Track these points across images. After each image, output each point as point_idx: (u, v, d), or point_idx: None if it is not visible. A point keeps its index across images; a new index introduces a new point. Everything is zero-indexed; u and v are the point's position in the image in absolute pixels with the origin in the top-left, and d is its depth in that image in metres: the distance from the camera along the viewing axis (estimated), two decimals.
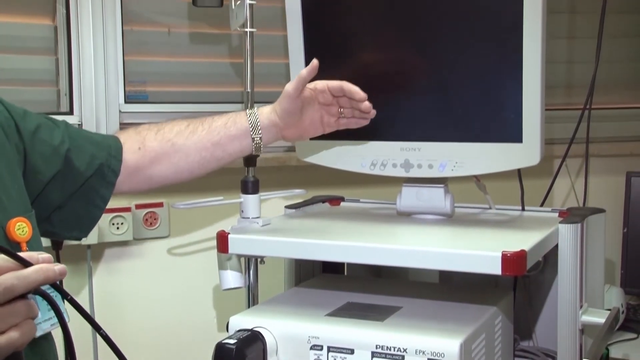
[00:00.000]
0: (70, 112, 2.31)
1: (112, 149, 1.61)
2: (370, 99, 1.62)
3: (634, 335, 2.34)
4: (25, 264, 1.02)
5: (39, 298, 1.26)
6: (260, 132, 1.66)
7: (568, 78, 2.83)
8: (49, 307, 1.22)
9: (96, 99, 2.32)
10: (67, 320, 1.29)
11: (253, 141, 1.67)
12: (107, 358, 2.07)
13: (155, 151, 1.65)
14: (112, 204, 2.22)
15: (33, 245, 1.35)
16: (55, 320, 1.31)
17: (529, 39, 1.54)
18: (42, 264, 1.03)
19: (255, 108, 1.69)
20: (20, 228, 1.33)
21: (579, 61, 2.82)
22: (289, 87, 1.59)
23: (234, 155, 1.72)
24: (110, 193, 1.62)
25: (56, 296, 1.33)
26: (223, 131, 1.67)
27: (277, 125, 1.64)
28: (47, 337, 1.34)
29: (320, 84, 1.61)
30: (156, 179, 1.68)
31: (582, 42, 2.80)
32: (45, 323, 1.27)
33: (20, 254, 1.03)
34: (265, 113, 1.66)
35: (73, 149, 1.53)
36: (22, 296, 1.02)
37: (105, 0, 2.30)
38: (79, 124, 2.30)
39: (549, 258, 1.56)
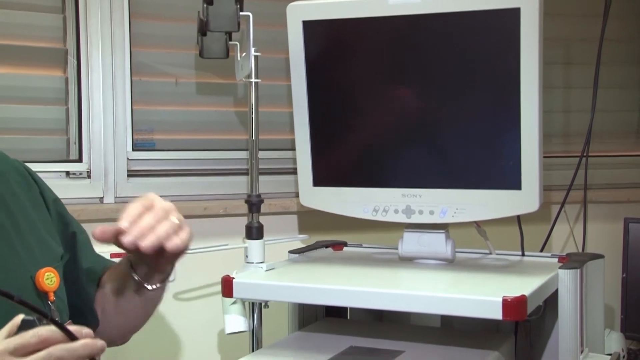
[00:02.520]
0: (79, 160, 2.32)
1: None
2: (372, 147, 1.61)
3: None
4: (72, 337, 1.03)
5: None
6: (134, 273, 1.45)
7: (565, 126, 2.83)
8: None
9: (105, 146, 2.32)
10: None
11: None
12: None
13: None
14: (118, 248, 2.24)
15: (59, 295, 1.36)
16: None
17: (526, 90, 1.55)
18: (87, 338, 1.04)
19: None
20: (49, 278, 1.33)
21: (576, 110, 2.82)
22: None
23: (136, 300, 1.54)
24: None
25: None
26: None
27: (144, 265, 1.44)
28: None
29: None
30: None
31: (578, 92, 2.81)
32: None
33: (68, 327, 1.04)
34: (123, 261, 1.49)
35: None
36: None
37: (114, 52, 2.31)
38: (87, 171, 2.30)
39: (549, 303, 1.55)
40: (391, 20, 1.63)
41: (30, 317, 1.04)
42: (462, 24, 1.59)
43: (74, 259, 1.49)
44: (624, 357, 2.27)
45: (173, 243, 1.27)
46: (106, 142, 2.33)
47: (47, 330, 1.02)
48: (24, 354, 1.00)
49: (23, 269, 1.32)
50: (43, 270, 1.33)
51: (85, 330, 1.05)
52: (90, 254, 1.56)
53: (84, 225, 1.65)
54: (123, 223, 1.24)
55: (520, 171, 1.58)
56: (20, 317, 1.05)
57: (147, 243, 1.24)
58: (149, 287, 1.43)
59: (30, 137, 2.26)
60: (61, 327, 1.03)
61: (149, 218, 1.27)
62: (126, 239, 1.23)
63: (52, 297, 1.33)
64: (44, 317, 1.05)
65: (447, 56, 1.62)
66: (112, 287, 1.50)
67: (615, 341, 2.27)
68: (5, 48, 2.19)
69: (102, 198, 2.32)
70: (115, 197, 2.33)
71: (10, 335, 1.03)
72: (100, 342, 1.05)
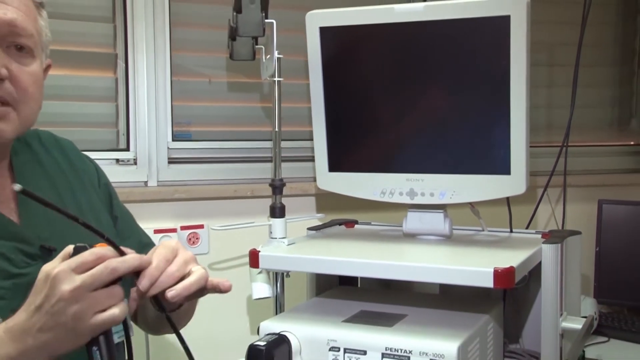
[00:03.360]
0: (127, 149, 2.32)
1: None
2: (380, 137, 1.60)
3: (606, 339, 2.31)
4: (123, 253, 1.05)
5: None
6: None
7: (548, 120, 2.83)
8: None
9: (148, 137, 2.33)
10: (131, 333, 1.30)
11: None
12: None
13: None
14: (161, 225, 2.24)
15: None
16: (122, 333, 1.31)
17: (515, 87, 1.54)
18: (134, 253, 1.05)
19: None
20: None
21: (557, 106, 2.81)
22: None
23: (156, 326, 1.49)
24: None
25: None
26: None
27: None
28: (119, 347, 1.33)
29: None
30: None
31: (559, 90, 2.79)
32: (116, 335, 1.27)
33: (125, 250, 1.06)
34: None
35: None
36: (118, 281, 1.03)
37: (157, 56, 2.31)
38: (134, 159, 2.31)
39: (534, 273, 1.54)
40: (397, 26, 1.61)
41: (81, 244, 1.05)
42: (459, 29, 1.57)
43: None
44: (596, 319, 2.26)
45: (172, 295, 1.14)
46: (150, 133, 2.33)
47: (102, 248, 1.03)
48: (84, 270, 1.00)
49: (83, 241, 1.30)
50: (98, 245, 1.31)
51: (128, 250, 1.06)
52: (129, 239, 1.51)
53: (131, 205, 1.64)
54: (144, 284, 1.11)
55: (510, 159, 1.56)
56: (71, 247, 1.05)
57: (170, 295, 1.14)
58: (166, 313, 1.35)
59: (85, 130, 2.27)
60: (114, 245, 1.05)
61: (171, 269, 1.15)
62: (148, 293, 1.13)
63: None
64: (101, 236, 1.06)
65: (446, 57, 1.60)
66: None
67: (589, 305, 2.27)
68: (64, 53, 2.19)
69: (146, 182, 2.33)
70: (158, 181, 2.34)
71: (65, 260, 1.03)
72: (147, 257, 1.06)
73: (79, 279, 0.99)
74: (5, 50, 1.17)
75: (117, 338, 1.27)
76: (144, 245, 1.52)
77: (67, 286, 0.98)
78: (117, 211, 1.51)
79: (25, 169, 1.32)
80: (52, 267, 1.01)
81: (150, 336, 2.04)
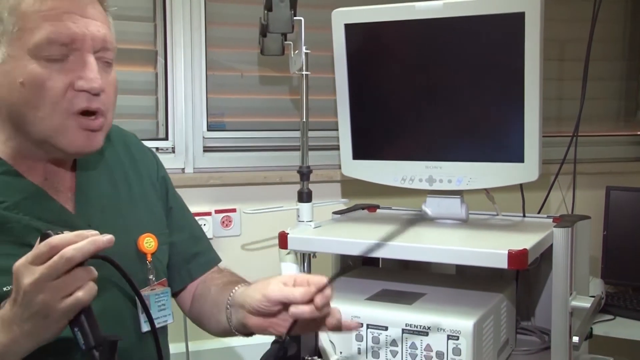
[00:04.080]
0: (166, 138, 2.34)
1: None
2: (401, 127, 1.59)
3: (612, 317, 2.31)
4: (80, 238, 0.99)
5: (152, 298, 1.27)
6: (229, 309, 1.33)
7: (558, 111, 2.80)
8: (161, 306, 1.21)
9: (185, 128, 2.33)
10: (169, 320, 1.31)
11: (227, 317, 1.34)
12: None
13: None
14: (196, 209, 2.24)
15: (158, 257, 1.34)
16: (165, 319, 1.30)
17: (529, 80, 1.52)
18: (94, 236, 0.99)
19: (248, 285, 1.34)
20: (148, 242, 1.32)
21: (567, 98, 2.78)
22: (270, 292, 1.19)
23: (221, 329, 1.39)
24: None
25: (166, 299, 1.33)
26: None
27: (243, 307, 1.27)
28: (161, 332, 1.32)
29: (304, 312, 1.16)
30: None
31: (569, 83, 2.77)
32: (158, 320, 1.27)
33: (78, 232, 1.00)
34: (241, 290, 1.32)
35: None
36: (82, 264, 0.98)
37: (193, 52, 2.32)
38: (172, 147, 2.32)
39: (545, 255, 1.52)
40: (417, 22, 1.60)
41: (48, 231, 1.00)
42: (476, 25, 1.55)
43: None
44: (603, 298, 2.24)
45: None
46: (187, 124, 2.34)
47: (56, 238, 0.98)
48: (42, 261, 0.97)
49: (129, 232, 1.31)
50: (144, 235, 1.32)
51: (90, 232, 1.00)
52: (181, 231, 1.49)
53: None
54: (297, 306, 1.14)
55: (524, 147, 1.55)
56: (39, 236, 1.01)
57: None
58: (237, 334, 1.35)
59: (127, 121, 2.27)
60: (68, 234, 0.99)
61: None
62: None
63: (149, 258, 1.31)
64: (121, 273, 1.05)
65: (463, 52, 1.59)
66: (208, 304, 1.43)
67: (597, 285, 2.26)
68: None
69: (183, 169, 2.34)
70: (194, 168, 2.35)
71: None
72: (107, 237, 1.00)
73: (37, 271, 0.96)
74: (97, 64, 1.18)
75: (156, 324, 1.27)
76: (195, 238, 1.51)
77: (27, 279, 0.97)
78: (172, 203, 1.49)
79: (87, 161, 1.31)
80: (18, 262, 0.99)
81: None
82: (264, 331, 1.24)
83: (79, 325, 1.01)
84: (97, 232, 1.01)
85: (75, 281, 0.97)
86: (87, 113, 1.17)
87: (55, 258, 0.96)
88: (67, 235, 0.98)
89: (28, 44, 1.11)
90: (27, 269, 0.97)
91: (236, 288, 1.33)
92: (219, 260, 1.55)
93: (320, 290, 1.13)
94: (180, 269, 1.46)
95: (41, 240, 0.99)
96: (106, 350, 1.00)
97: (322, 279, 1.15)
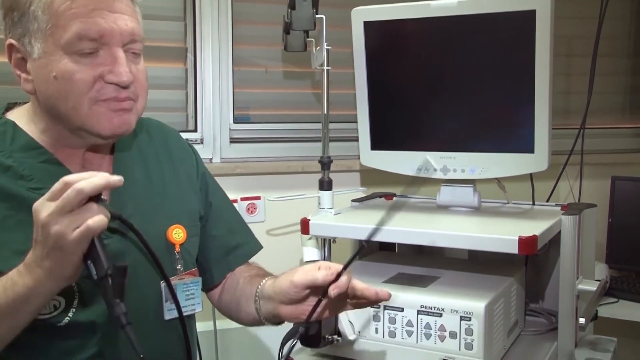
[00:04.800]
0: (195, 130, 2.33)
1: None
2: (417, 119, 1.59)
3: (615, 300, 2.29)
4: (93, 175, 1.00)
5: (182, 289, 1.28)
6: (258, 301, 1.32)
7: (565, 105, 2.76)
8: (189, 295, 1.21)
9: (213, 120, 2.33)
10: (198, 308, 1.31)
11: (256, 308, 1.34)
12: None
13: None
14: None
15: (187, 248, 1.33)
16: (192, 308, 1.29)
17: (539, 75, 1.51)
18: (104, 173, 1.01)
19: (275, 278, 1.33)
20: (177, 233, 1.31)
21: (574, 92, 2.74)
22: (296, 278, 1.20)
23: (249, 319, 1.39)
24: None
25: (195, 289, 1.33)
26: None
27: (273, 299, 1.27)
28: (190, 318, 1.33)
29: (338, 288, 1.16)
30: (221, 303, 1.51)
31: (576, 78, 2.73)
32: (185, 308, 1.27)
33: (91, 172, 1.01)
34: (270, 282, 1.31)
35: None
36: (93, 201, 1.00)
37: (221, 49, 2.31)
38: (201, 138, 2.32)
39: (553, 241, 1.51)
40: (433, 20, 1.59)
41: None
42: (489, 22, 1.54)
43: (204, 225, 1.44)
44: (607, 282, 2.24)
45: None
46: (214, 116, 2.33)
47: (70, 176, 0.99)
48: (57, 198, 0.98)
49: (159, 222, 1.30)
50: (173, 226, 1.31)
51: (102, 173, 1.01)
52: (217, 226, 1.48)
53: None
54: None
55: (534, 139, 1.54)
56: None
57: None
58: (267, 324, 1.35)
59: (159, 114, 2.26)
60: (82, 173, 1.01)
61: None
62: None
63: (177, 248, 1.30)
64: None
65: (477, 48, 1.58)
66: (236, 296, 1.42)
67: (602, 270, 2.25)
68: (143, 48, 2.19)
69: (211, 159, 2.34)
70: (221, 158, 2.35)
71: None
72: (116, 177, 1.01)
73: (52, 205, 0.97)
74: (127, 55, 1.18)
75: (175, 313, 1.27)
76: (234, 231, 1.50)
77: (43, 214, 0.97)
78: (212, 198, 1.48)
79: (124, 152, 1.32)
80: (37, 201, 1.00)
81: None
82: (296, 318, 1.24)
83: (91, 257, 1.01)
84: (107, 174, 1.01)
85: (86, 212, 0.98)
86: (116, 100, 1.17)
87: (67, 191, 0.97)
88: (80, 174, 0.99)
89: (60, 40, 1.12)
90: (43, 205, 0.98)
91: (263, 281, 1.33)
92: (259, 247, 1.53)
93: (337, 277, 1.14)
94: (220, 262, 1.46)
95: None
96: (117, 275, 1.00)
97: (340, 267, 1.15)
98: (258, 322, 1.35)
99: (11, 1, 1.14)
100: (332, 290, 1.13)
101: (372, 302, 1.21)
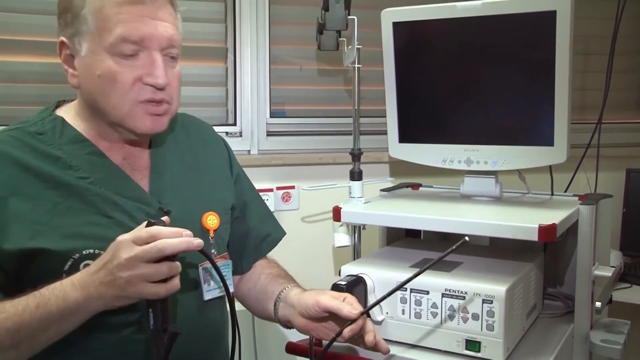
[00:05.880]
0: (234, 124, 2.35)
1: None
2: (443, 114, 1.57)
3: (629, 285, 2.28)
4: (176, 236, 1.04)
5: (213, 271, 1.27)
6: (278, 303, 1.36)
7: (582, 101, 2.73)
8: (219, 278, 1.21)
9: (251, 115, 2.34)
10: (231, 289, 1.30)
11: (274, 308, 1.37)
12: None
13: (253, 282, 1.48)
14: (260, 186, 2.25)
15: (220, 234, 1.34)
16: (221, 291, 1.29)
17: (559, 72, 1.47)
18: (186, 237, 1.04)
19: (301, 289, 1.36)
20: (211, 220, 1.33)
21: (591, 89, 2.71)
22: (322, 300, 1.23)
23: (263, 313, 1.41)
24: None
25: (227, 271, 1.34)
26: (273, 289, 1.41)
27: (294, 308, 1.30)
28: (220, 301, 1.34)
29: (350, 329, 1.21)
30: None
31: (592, 75, 2.69)
32: (214, 291, 1.28)
33: (173, 229, 1.05)
34: (295, 292, 1.33)
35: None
36: (170, 259, 1.04)
37: (258, 49, 2.32)
38: (240, 132, 2.32)
39: (571, 229, 1.48)
40: (458, 20, 1.56)
41: (152, 220, 1.06)
42: (511, 22, 1.50)
43: (242, 218, 1.46)
44: (621, 268, 2.21)
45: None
46: (252, 111, 2.34)
47: (155, 228, 1.03)
48: (140, 244, 1.02)
49: (195, 210, 1.32)
50: (208, 213, 1.32)
51: (186, 232, 1.05)
52: (259, 219, 1.51)
53: None
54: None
55: (553, 132, 1.50)
56: (145, 221, 1.06)
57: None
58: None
59: (201, 109, 2.30)
60: (168, 228, 1.04)
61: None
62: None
63: (211, 234, 1.32)
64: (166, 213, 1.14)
65: (500, 46, 1.54)
66: (257, 289, 1.44)
67: (616, 257, 2.22)
68: (187, 48, 2.19)
69: (249, 151, 2.35)
70: (258, 150, 2.35)
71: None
72: (197, 241, 1.05)
73: (134, 250, 1.01)
74: (164, 59, 1.20)
75: (217, 293, 1.28)
76: (262, 221, 1.51)
77: (125, 254, 1.01)
78: (247, 195, 1.49)
79: (161, 145, 1.33)
80: (123, 236, 1.04)
81: None
82: (306, 332, 1.29)
83: (153, 307, 1.04)
84: (191, 232, 1.05)
85: (159, 273, 1.02)
86: (152, 101, 1.20)
87: (150, 244, 1.01)
88: (167, 229, 1.03)
89: (105, 43, 1.14)
90: (127, 245, 1.02)
91: (288, 286, 1.36)
92: (283, 233, 1.55)
93: (352, 321, 1.19)
94: (253, 250, 1.48)
95: (146, 226, 1.04)
96: (168, 337, 1.03)
97: (358, 308, 1.21)
98: (270, 319, 1.38)
99: (66, 3, 1.18)
100: (347, 333, 1.18)
101: (373, 348, 1.24)
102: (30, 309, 1.04)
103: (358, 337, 1.23)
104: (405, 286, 1.35)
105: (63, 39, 1.19)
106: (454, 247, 1.15)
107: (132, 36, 1.15)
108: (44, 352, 1.09)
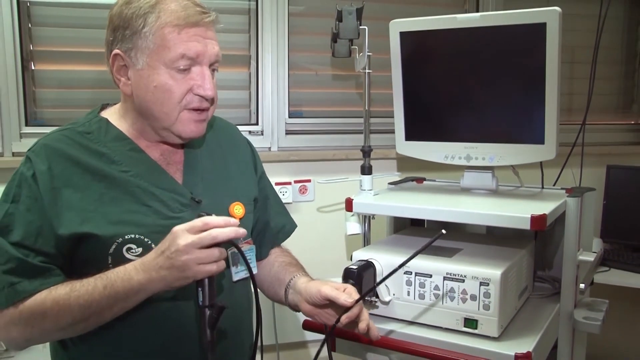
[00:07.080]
0: (257, 124, 2.34)
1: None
2: (444, 114, 1.55)
3: (607, 269, 2.30)
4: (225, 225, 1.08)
5: (238, 255, 1.28)
6: (288, 289, 1.35)
7: (569, 104, 2.72)
8: (249, 260, 1.22)
9: (271, 115, 2.33)
10: (254, 271, 1.31)
11: (285, 293, 1.37)
12: None
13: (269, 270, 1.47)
14: (280, 179, 2.25)
15: (245, 222, 1.34)
16: (253, 270, 1.30)
17: (549, 78, 1.46)
18: (234, 226, 1.08)
19: (308, 277, 1.36)
20: (237, 209, 1.33)
21: (576, 93, 2.70)
22: (323, 289, 1.23)
23: (275, 297, 1.41)
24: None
25: (252, 255, 1.33)
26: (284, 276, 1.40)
27: (301, 295, 1.30)
28: (245, 282, 1.35)
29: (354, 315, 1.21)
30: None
31: (577, 81, 2.69)
32: (241, 272, 1.28)
33: (222, 217, 1.09)
34: (303, 280, 1.33)
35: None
36: (219, 245, 1.07)
37: (278, 56, 2.31)
38: (261, 131, 2.32)
39: (559, 219, 1.47)
40: (459, 30, 1.54)
41: (203, 213, 1.09)
42: (507, 33, 1.49)
43: (264, 211, 1.47)
44: (602, 254, 2.20)
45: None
46: (272, 112, 2.33)
47: (209, 218, 1.07)
48: (195, 232, 1.05)
49: (223, 200, 1.32)
50: (234, 203, 1.33)
51: (233, 220, 1.08)
52: (276, 212, 1.50)
53: None
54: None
55: (544, 132, 1.49)
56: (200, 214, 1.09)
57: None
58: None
59: (227, 110, 2.30)
60: (219, 217, 1.08)
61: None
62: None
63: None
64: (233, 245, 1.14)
65: (496, 54, 1.53)
66: (271, 276, 1.43)
67: (597, 244, 2.17)
68: None
69: (269, 148, 2.34)
70: (278, 147, 2.35)
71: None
72: (242, 230, 1.08)
73: (190, 238, 1.05)
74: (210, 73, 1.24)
75: (243, 275, 1.28)
76: (278, 214, 1.51)
77: (182, 241, 1.05)
78: (267, 191, 1.49)
79: (194, 143, 1.34)
80: (178, 227, 1.07)
81: None
82: (310, 317, 1.30)
83: (202, 286, 1.08)
84: (237, 221, 1.09)
85: (210, 256, 1.06)
86: (199, 109, 1.23)
87: (205, 233, 1.05)
88: (218, 218, 1.07)
89: (164, 58, 1.17)
90: (183, 234, 1.05)
91: (297, 275, 1.36)
92: (295, 226, 1.55)
93: (348, 308, 1.19)
94: (271, 240, 1.49)
95: (198, 217, 1.08)
96: (215, 311, 1.07)
97: (356, 297, 1.21)
98: (281, 303, 1.39)
99: (123, 20, 1.18)
100: (344, 319, 1.19)
101: (366, 334, 1.24)
102: (99, 289, 1.08)
103: (354, 324, 1.23)
104: (410, 270, 1.36)
105: (118, 52, 1.19)
106: (433, 240, 1.15)
107: (189, 53, 1.17)
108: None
